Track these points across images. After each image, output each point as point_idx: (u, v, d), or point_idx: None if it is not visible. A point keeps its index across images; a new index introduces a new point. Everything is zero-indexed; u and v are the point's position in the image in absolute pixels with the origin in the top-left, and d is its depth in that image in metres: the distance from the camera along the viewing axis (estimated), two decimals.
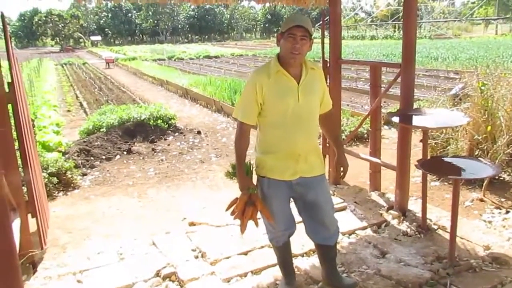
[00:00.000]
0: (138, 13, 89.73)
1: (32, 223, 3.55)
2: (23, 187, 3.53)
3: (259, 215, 2.69)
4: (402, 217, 4.01)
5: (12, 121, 3.37)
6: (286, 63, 2.51)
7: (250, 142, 2.67)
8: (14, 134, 3.42)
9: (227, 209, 2.69)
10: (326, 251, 2.88)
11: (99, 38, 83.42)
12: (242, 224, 2.65)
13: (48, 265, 3.49)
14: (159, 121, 8.45)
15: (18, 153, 3.47)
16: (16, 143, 3.50)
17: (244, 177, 2.63)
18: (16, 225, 3.22)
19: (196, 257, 3.52)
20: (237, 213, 2.63)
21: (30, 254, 3.40)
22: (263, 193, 2.68)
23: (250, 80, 2.58)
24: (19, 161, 3.46)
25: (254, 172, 2.73)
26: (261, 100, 2.54)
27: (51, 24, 76.35)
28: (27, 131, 3.68)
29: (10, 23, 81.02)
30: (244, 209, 2.62)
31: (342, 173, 2.89)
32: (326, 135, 3.00)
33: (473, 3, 68.34)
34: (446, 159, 3.64)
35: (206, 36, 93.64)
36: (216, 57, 36.05)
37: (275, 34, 2.56)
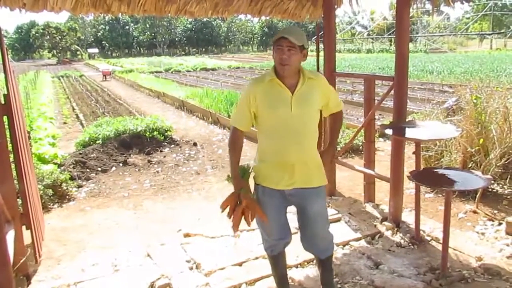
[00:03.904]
0: (136, 26, 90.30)
1: (26, 235, 3.56)
2: (18, 199, 3.54)
3: (254, 224, 2.72)
4: (396, 229, 4.04)
5: (8, 133, 3.40)
6: (280, 73, 2.56)
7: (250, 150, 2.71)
8: (10, 146, 3.44)
9: (222, 208, 2.69)
10: (321, 263, 2.90)
11: (96, 50, 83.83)
12: (234, 223, 2.68)
13: (42, 277, 3.48)
14: (155, 133, 8.48)
15: (13, 165, 3.48)
16: (12, 155, 3.52)
17: (238, 178, 2.68)
18: (10, 237, 3.22)
19: (191, 268, 3.53)
20: (229, 211, 2.67)
21: (24, 266, 3.40)
22: (258, 201, 2.72)
23: (245, 89, 2.68)
24: (14, 173, 3.48)
25: (251, 177, 2.76)
26: (255, 109, 2.60)
27: (48, 37, 76.64)
28: (22, 143, 3.69)
29: (7, 35, 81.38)
30: (235, 207, 2.67)
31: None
32: (328, 131, 3.05)
33: (468, 18, 69.04)
34: (438, 170, 3.66)
35: (203, 49, 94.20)
36: (213, 69, 36.25)
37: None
